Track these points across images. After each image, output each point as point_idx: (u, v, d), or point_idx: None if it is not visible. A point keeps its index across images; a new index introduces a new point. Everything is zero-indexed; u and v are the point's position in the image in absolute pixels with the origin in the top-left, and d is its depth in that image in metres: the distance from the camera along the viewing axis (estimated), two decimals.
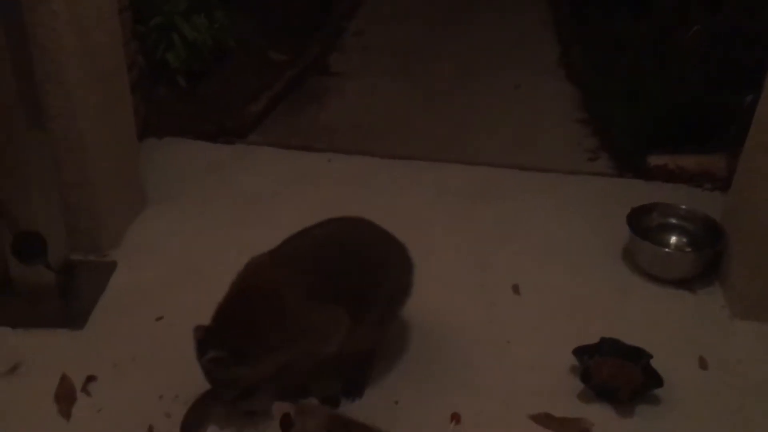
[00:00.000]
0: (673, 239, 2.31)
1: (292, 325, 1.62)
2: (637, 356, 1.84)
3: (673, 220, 2.33)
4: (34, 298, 2.00)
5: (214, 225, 2.40)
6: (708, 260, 2.18)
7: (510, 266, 2.26)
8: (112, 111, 2.21)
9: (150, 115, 2.82)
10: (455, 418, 1.73)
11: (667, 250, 2.23)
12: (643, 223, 2.29)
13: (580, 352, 1.86)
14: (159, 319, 2.01)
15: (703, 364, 1.92)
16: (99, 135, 2.12)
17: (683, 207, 2.34)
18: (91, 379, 1.81)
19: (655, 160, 2.71)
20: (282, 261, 1.69)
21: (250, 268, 1.70)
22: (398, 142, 2.95)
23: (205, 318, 1.97)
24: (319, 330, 1.66)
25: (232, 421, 1.69)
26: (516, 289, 2.16)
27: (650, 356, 1.83)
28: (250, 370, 1.61)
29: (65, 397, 1.76)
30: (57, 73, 1.94)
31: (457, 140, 2.97)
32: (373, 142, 2.92)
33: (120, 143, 2.27)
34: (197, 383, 1.69)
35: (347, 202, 2.53)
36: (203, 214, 2.45)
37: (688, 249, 2.28)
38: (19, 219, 1.88)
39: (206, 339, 1.62)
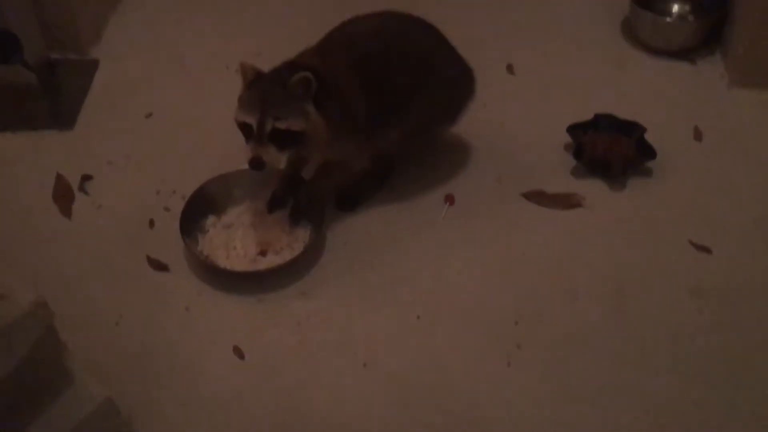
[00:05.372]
0: (676, 8, 2.20)
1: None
2: (632, 130, 1.82)
3: None
4: (18, 99, 1.96)
5: (194, 16, 2.29)
6: (710, 27, 2.09)
7: (503, 44, 2.17)
8: None
9: None
10: (449, 199, 1.75)
11: (668, 19, 2.14)
12: None
13: (574, 129, 1.85)
14: (149, 116, 1.98)
15: (697, 134, 1.91)
16: None
17: None
18: (86, 178, 1.81)
19: None
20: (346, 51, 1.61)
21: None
22: None
23: (197, 115, 1.96)
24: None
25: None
26: (510, 68, 2.10)
27: (644, 129, 1.81)
28: (314, 122, 1.50)
29: (63, 197, 1.77)
30: None
31: None
32: None
33: None
34: (194, 178, 1.71)
35: None
36: (182, 5, 2.33)
37: (691, 17, 2.18)
38: None
39: (299, 65, 1.52)
